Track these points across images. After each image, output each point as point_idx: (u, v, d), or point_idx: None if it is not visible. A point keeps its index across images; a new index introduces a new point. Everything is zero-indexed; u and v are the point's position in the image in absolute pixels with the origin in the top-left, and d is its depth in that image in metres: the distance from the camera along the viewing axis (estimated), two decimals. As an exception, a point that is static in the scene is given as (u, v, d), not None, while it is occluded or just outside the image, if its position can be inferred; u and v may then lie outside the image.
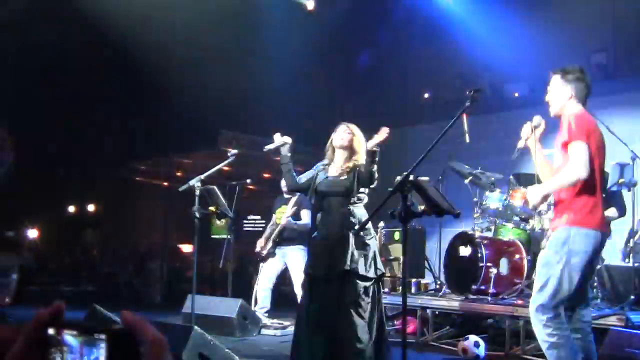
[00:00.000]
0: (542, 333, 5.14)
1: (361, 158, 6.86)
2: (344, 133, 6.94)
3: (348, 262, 6.58)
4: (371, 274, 6.67)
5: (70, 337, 0.94)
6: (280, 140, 6.98)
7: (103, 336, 0.91)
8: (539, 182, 5.73)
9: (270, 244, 10.53)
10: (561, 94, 5.44)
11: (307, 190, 7.12)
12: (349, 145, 6.91)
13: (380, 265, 6.86)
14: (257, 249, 10.77)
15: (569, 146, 5.15)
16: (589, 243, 5.16)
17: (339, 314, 6.63)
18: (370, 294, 6.72)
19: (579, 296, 5.32)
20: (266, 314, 10.45)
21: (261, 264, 10.69)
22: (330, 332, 6.73)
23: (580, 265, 5.15)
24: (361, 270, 6.61)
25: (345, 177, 6.80)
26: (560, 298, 5.15)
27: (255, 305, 10.48)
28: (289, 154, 7.05)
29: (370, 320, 6.66)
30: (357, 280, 6.60)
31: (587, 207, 5.19)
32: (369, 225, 6.73)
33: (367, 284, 6.65)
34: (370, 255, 6.72)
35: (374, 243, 6.83)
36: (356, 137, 6.94)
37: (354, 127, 7.01)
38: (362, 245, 6.69)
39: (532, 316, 5.29)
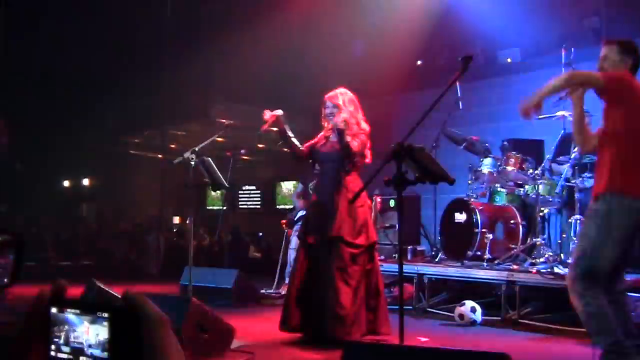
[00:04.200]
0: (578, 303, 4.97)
1: (355, 125, 6.94)
2: (331, 109, 7.00)
3: (335, 228, 6.68)
4: (359, 241, 6.75)
5: (72, 316, 0.95)
6: (270, 116, 6.95)
7: (105, 314, 0.92)
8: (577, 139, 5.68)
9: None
10: (617, 64, 5.24)
11: (309, 158, 7.24)
12: (340, 122, 6.97)
13: (372, 233, 6.93)
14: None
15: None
16: (631, 213, 4.96)
17: (324, 279, 6.72)
18: (362, 261, 6.79)
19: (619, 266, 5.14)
20: None
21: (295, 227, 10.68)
22: (315, 296, 6.83)
23: (622, 236, 4.97)
24: (348, 236, 6.69)
25: (338, 147, 6.89)
26: (599, 267, 4.95)
27: (288, 267, 10.50)
28: (286, 126, 7.06)
29: (357, 287, 6.73)
30: (345, 247, 6.68)
31: (630, 171, 5.03)
32: (363, 193, 6.79)
33: (355, 251, 6.72)
34: (360, 222, 6.79)
35: (365, 211, 6.89)
36: (345, 109, 6.98)
37: (339, 98, 7.04)
38: (352, 212, 6.77)
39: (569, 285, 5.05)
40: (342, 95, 7.06)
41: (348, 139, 6.83)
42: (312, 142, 7.27)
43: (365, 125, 7.05)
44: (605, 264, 4.93)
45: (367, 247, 6.88)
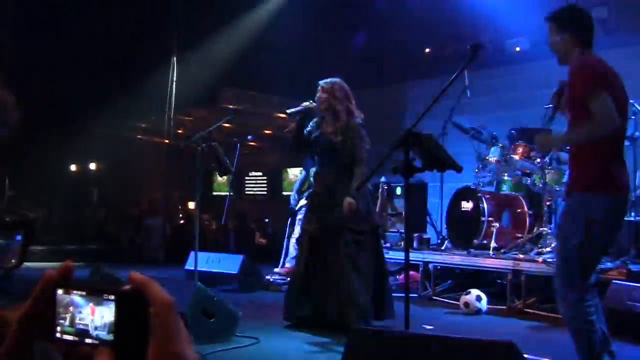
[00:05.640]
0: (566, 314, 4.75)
1: (346, 114, 6.97)
2: (320, 95, 7.04)
3: (338, 216, 6.72)
4: (363, 227, 6.78)
5: (78, 298, 0.94)
6: (306, 106, 7.01)
7: (112, 297, 0.91)
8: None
9: (303, 198, 10.56)
10: (560, 43, 4.85)
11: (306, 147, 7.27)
12: (327, 107, 7.01)
13: (374, 217, 6.98)
14: (292, 202, 10.87)
15: (587, 100, 4.53)
16: (609, 209, 4.61)
17: (333, 267, 6.75)
18: (367, 247, 6.83)
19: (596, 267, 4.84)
20: None
21: (297, 217, 10.72)
22: (324, 286, 6.85)
23: (600, 234, 4.64)
24: (353, 224, 6.73)
25: (340, 136, 6.89)
26: (585, 273, 4.61)
27: (286, 257, 10.56)
28: (307, 120, 7.11)
29: (367, 272, 6.77)
30: (351, 234, 6.72)
31: (607, 168, 4.66)
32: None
33: (361, 237, 6.76)
34: (362, 208, 6.82)
35: (365, 196, 6.92)
36: (332, 95, 7.00)
37: (330, 86, 7.05)
38: (354, 200, 6.80)
39: (557, 293, 4.76)
40: (333, 84, 7.07)
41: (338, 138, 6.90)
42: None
43: (359, 114, 7.06)
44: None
45: (370, 231, 6.92)
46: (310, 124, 7.20)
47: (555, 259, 5.07)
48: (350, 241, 6.74)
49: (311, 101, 7.09)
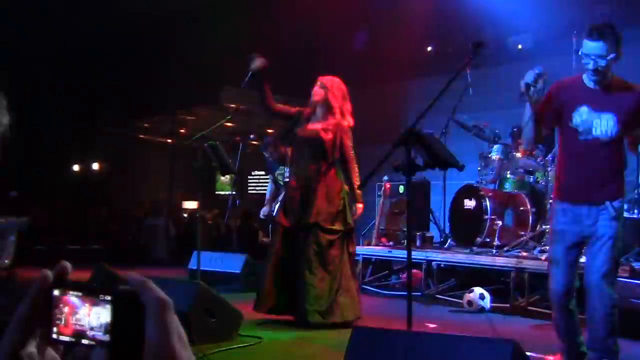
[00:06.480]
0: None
1: (339, 113, 6.98)
2: (317, 88, 7.07)
3: (314, 215, 6.75)
4: (336, 226, 6.82)
5: (75, 298, 0.94)
6: (254, 67, 7.05)
7: (108, 297, 0.91)
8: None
9: (277, 204, 10.54)
10: (612, 62, 4.92)
11: (281, 118, 7.32)
12: (323, 101, 7.04)
13: (349, 218, 7.00)
14: (264, 214, 10.83)
15: None
16: None
17: (301, 264, 6.80)
18: (339, 246, 6.87)
19: None
20: None
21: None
22: (292, 283, 6.92)
23: None
24: (327, 223, 6.77)
25: (329, 134, 6.92)
26: None
27: None
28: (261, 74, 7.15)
29: (335, 271, 6.82)
30: (323, 233, 6.76)
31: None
32: (341, 178, 6.90)
33: (332, 237, 6.80)
34: (337, 209, 6.87)
35: (342, 197, 6.95)
36: (331, 91, 7.02)
37: (329, 81, 7.09)
38: (330, 199, 6.84)
39: (606, 288, 4.96)
40: (333, 81, 7.10)
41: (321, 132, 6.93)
42: (291, 110, 7.30)
43: (350, 119, 7.07)
44: None
45: (344, 232, 6.95)
46: (298, 112, 7.25)
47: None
48: (321, 240, 6.80)
49: (263, 60, 7.12)
